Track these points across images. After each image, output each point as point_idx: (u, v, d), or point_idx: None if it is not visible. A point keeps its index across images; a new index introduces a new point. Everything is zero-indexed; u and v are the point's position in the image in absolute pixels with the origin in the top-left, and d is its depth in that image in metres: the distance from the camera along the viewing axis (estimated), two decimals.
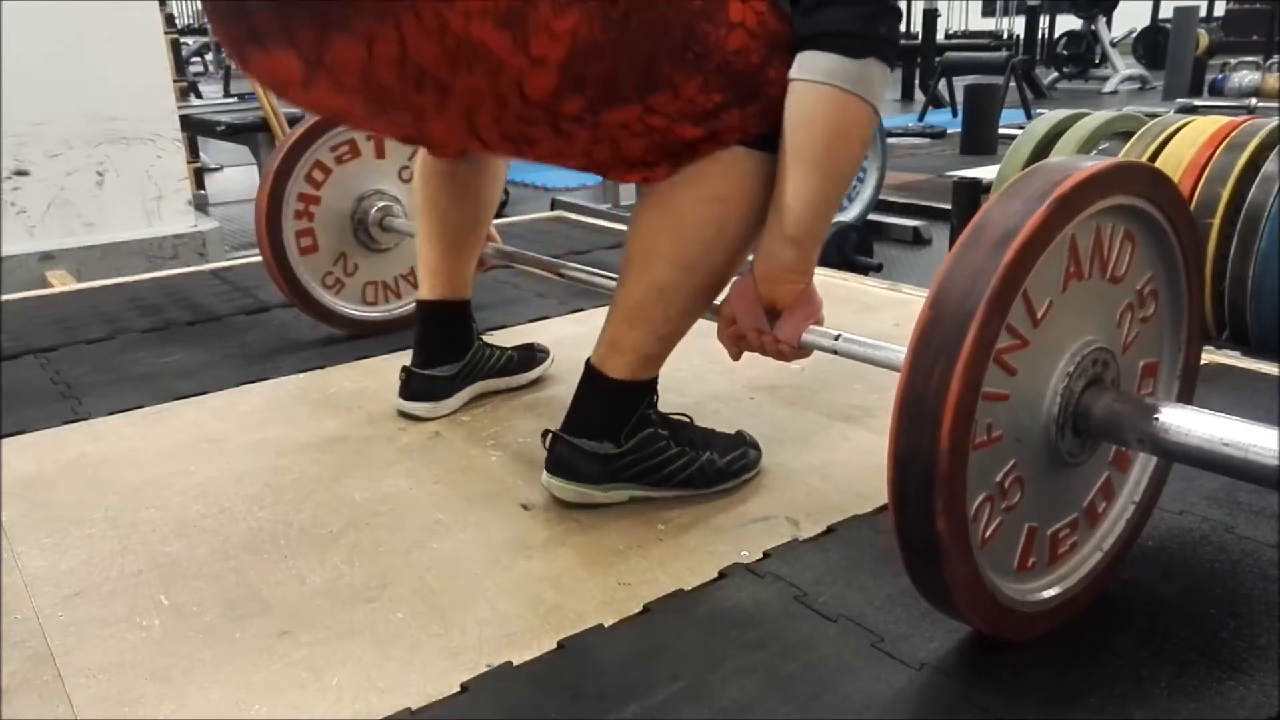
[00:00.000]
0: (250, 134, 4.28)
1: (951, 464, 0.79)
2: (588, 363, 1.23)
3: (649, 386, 1.24)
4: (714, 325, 1.21)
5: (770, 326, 1.15)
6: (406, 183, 1.96)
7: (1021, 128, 3.14)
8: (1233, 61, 9.72)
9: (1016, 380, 0.86)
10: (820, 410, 1.55)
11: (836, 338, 1.11)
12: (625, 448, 1.22)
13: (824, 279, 2.28)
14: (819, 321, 1.15)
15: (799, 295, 1.13)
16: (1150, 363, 1.02)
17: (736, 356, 1.21)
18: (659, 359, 1.23)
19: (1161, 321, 1.02)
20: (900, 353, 0.93)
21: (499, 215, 4.51)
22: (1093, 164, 0.85)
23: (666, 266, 1.16)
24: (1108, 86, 11.04)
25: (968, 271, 0.80)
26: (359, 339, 1.93)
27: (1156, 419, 0.87)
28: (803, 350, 1.15)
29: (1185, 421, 0.86)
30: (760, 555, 1.13)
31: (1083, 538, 1.00)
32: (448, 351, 1.55)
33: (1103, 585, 1.02)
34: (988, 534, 0.87)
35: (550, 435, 1.25)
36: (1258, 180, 2.16)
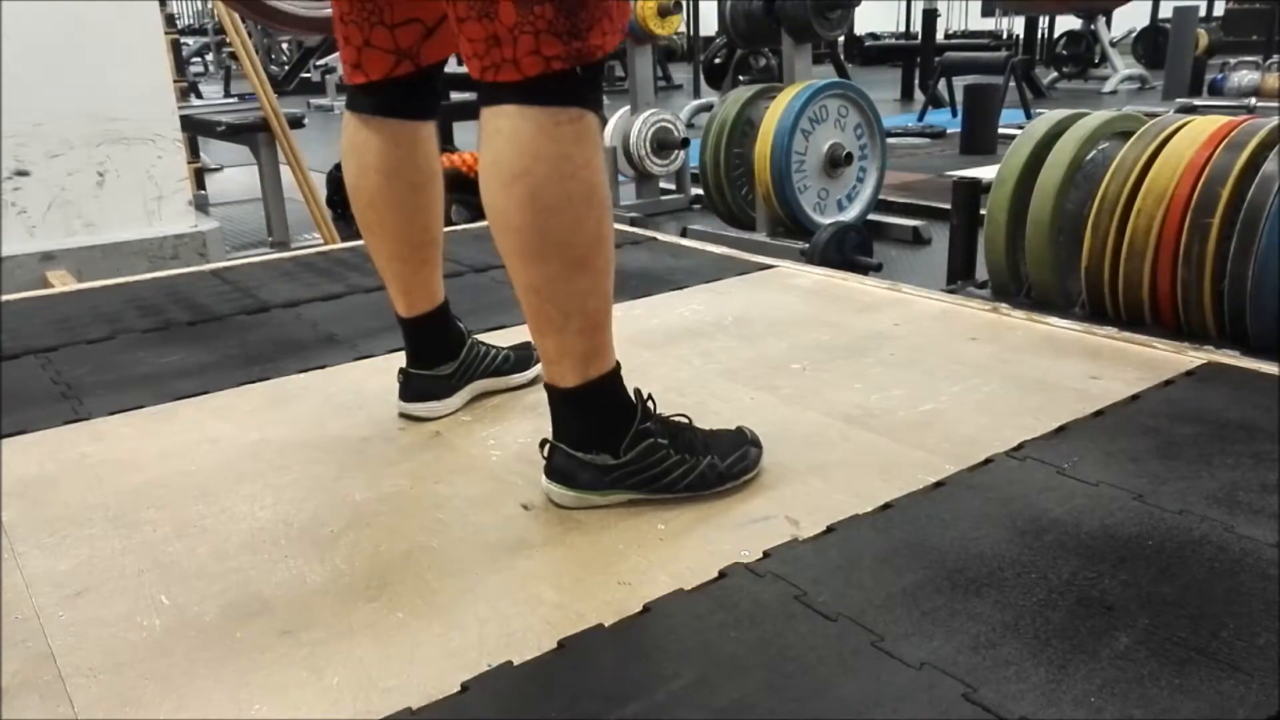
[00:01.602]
0: (250, 134, 4.27)
1: None
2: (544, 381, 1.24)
3: (614, 381, 1.22)
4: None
5: None
6: None
7: (1021, 128, 3.14)
8: (1232, 61, 9.71)
9: None
10: (820, 410, 1.54)
11: None
12: (624, 459, 1.22)
13: (824, 279, 2.29)
14: None
15: None
16: None
17: None
18: (598, 349, 1.19)
19: None
20: None
21: None
22: None
23: (520, 265, 1.13)
24: (1107, 86, 11.03)
25: None
26: (359, 339, 1.93)
27: None
28: None
29: None
30: (760, 555, 1.13)
31: None
32: (441, 353, 1.55)
33: None
34: None
35: (548, 445, 1.25)
36: (1257, 180, 2.17)
